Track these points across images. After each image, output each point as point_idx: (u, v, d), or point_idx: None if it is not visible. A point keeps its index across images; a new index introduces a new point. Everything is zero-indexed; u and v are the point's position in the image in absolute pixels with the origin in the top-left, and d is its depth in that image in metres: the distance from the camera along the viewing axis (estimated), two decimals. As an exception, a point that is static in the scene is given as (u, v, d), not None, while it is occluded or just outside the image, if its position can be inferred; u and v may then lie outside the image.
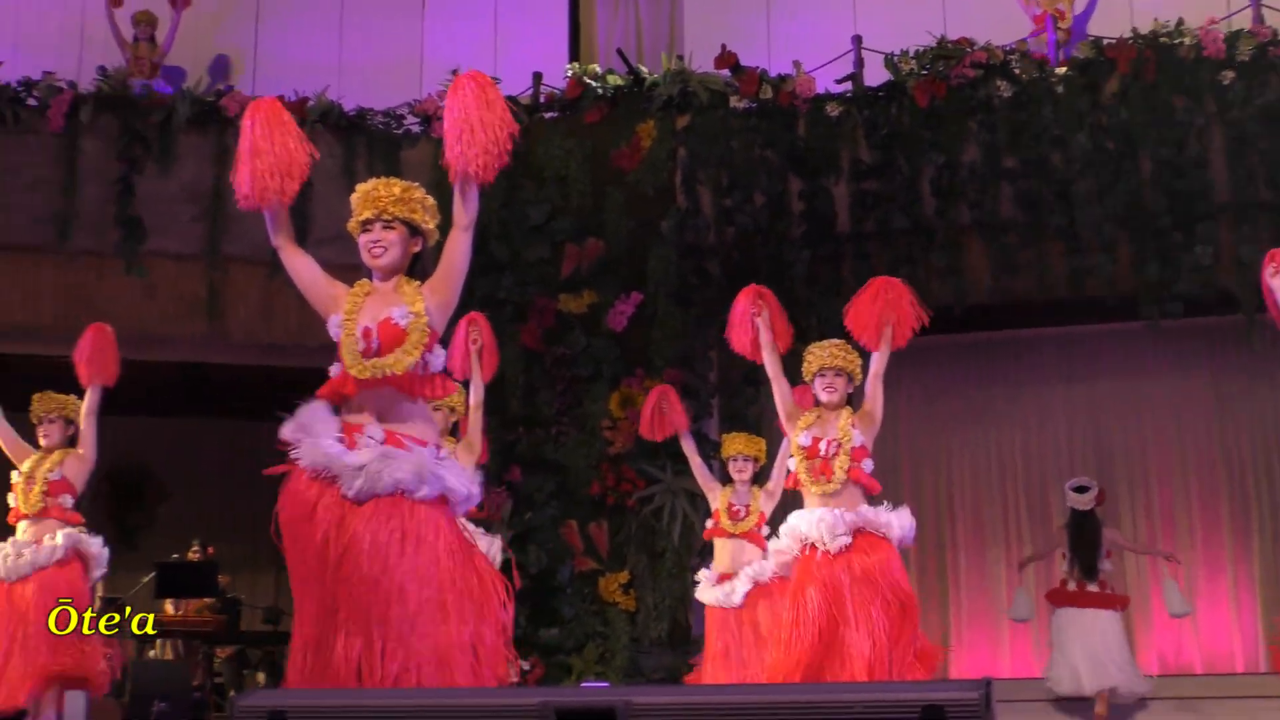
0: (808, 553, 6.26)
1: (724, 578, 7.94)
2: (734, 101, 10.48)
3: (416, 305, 4.37)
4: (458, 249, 4.42)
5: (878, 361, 6.42)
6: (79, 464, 7.32)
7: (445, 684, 4.09)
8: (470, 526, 4.80)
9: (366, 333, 4.36)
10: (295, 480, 4.28)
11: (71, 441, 7.41)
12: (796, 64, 10.57)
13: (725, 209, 10.37)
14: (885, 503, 6.37)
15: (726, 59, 10.63)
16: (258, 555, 14.89)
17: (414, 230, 4.51)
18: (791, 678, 6.06)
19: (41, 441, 7.40)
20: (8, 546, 7.17)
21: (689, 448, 8.19)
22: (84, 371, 7.30)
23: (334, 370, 4.41)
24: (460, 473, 4.44)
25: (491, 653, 4.27)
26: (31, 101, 10.45)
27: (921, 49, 10.35)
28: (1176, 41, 9.87)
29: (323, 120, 10.69)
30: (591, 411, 10.21)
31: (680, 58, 10.95)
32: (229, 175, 4.60)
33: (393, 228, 4.46)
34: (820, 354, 6.55)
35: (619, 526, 10.05)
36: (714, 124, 10.46)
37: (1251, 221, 9.71)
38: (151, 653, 12.49)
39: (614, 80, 10.81)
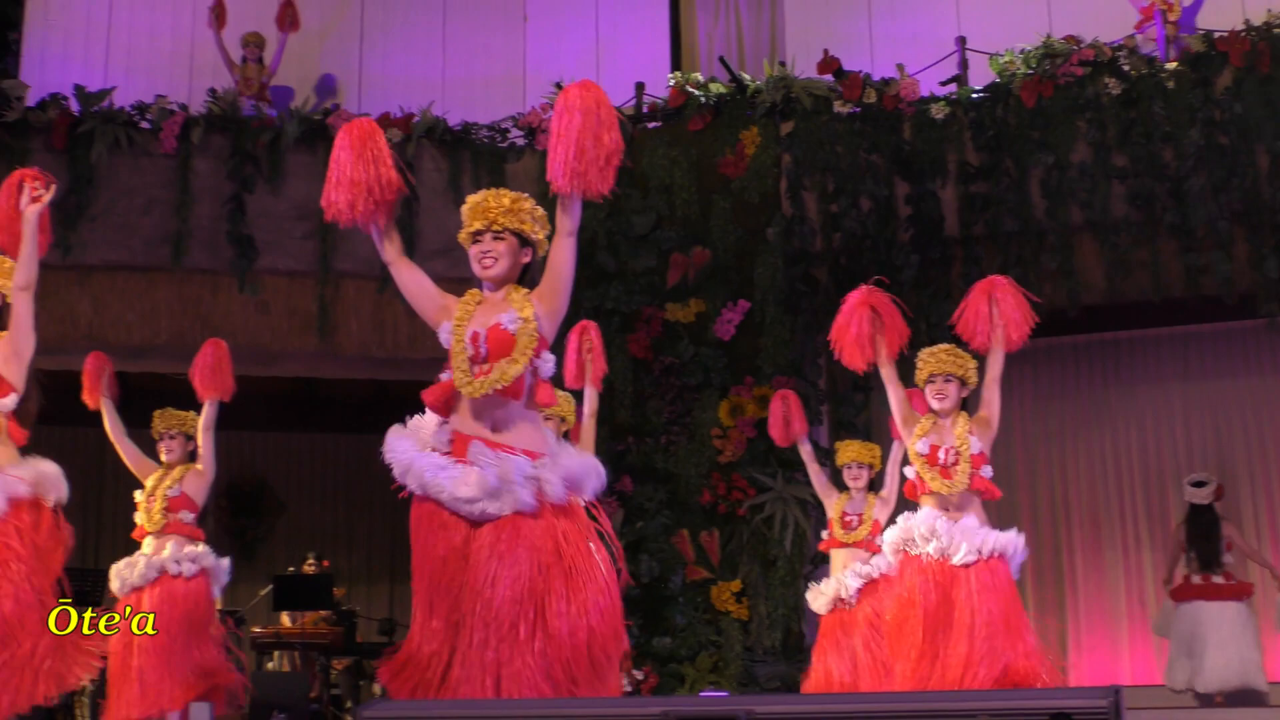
0: (925, 560, 6.21)
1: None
2: (838, 106, 10.43)
3: (525, 311, 4.40)
4: (563, 255, 4.42)
5: (993, 366, 6.34)
6: (199, 479, 7.44)
7: (566, 692, 4.12)
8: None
9: (475, 338, 4.39)
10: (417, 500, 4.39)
11: (192, 457, 7.52)
12: (900, 67, 10.51)
13: (831, 215, 10.32)
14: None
15: (829, 64, 10.59)
16: (372, 567, 15.10)
17: (524, 241, 4.53)
18: (910, 660, 6.06)
19: (163, 458, 7.53)
20: (136, 560, 7.31)
21: (807, 453, 8.13)
22: (201, 387, 7.41)
23: (443, 376, 4.45)
24: (566, 462, 4.42)
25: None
26: (145, 124, 10.64)
27: (1028, 48, 10.24)
28: (1292, 33, 9.68)
29: (428, 135, 10.78)
30: (701, 420, 10.19)
31: (782, 64, 10.91)
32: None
33: (502, 238, 4.49)
34: (931, 360, 6.46)
35: (730, 535, 10.02)
36: (818, 129, 10.42)
37: (1374, 215, 9.49)
38: (269, 664, 12.67)
39: (716, 88, 10.80)
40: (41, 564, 5.06)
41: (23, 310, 5.13)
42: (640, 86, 11.02)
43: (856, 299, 6.54)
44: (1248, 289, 9.72)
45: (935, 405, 6.42)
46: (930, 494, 6.32)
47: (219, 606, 8.06)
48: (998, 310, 6.31)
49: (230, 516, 14.87)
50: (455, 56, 11.94)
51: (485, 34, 12.05)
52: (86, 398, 7.35)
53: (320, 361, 11.06)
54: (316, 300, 10.63)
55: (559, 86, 10.81)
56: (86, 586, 9.64)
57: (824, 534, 8.11)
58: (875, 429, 9.95)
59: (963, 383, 6.45)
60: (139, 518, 7.41)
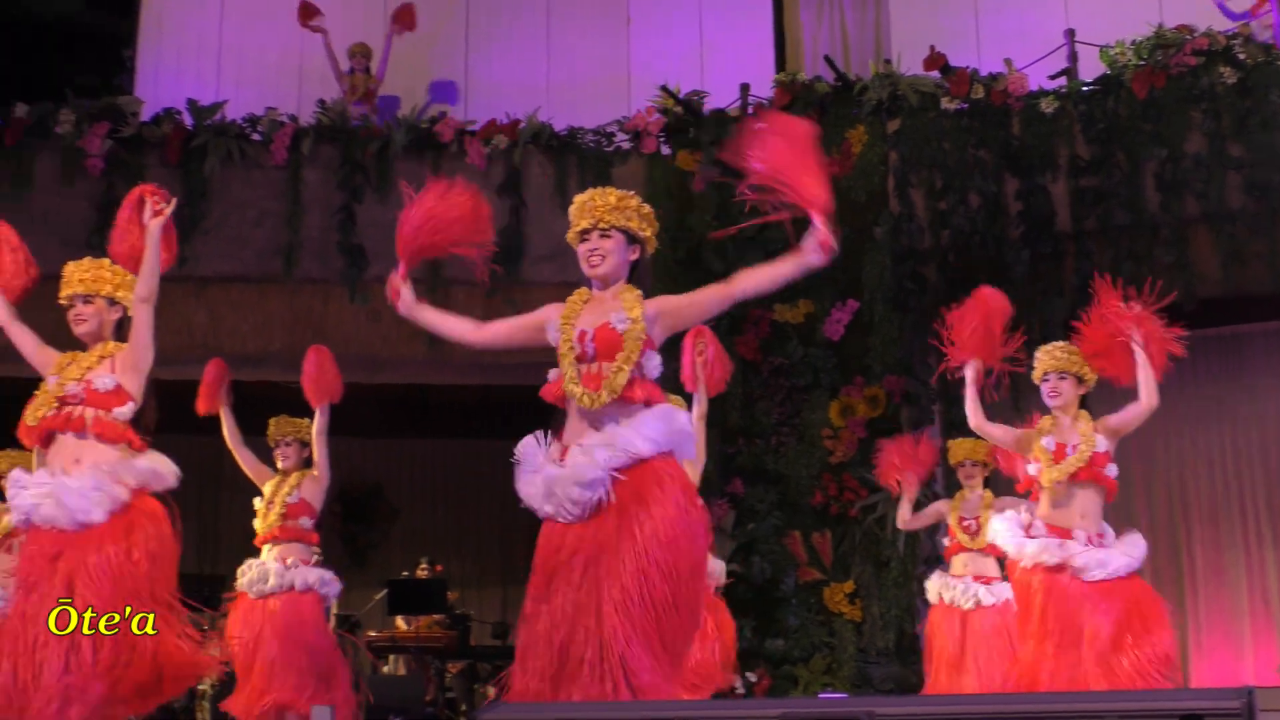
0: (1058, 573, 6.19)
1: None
2: (945, 103, 10.34)
3: (634, 312, 4.40)
4: (710, 307, 4.57)
5: (1144, 395, 6.34)
6: (315, 485, 7.54)
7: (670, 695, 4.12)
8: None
9: (582, 336, 4.41)
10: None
11: (307, 463, 7.63)
12: (1007, 61, 10.39)
13: (940, 212, 10.23)
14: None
15: (935, 60, 10.49)
16: (485, 571, 15.17)
17: (631, 238, 4.54)
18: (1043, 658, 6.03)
19: (279, 464, 7.64)
20: (258, 566, 7.43)
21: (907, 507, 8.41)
22: (311, 393, 7.51)
23: (552, 375, 4.47)
24: (655, 419, 4.38)
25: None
26: (256, 137, 10.80)
27: (1138, 39, 10.08)
28: None
29: (534, 141, 10.83)
30: (811, 421, 10.14)
31: (888, 61, 10.84)
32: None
33: (609, 236, 4.51)
34: (1045, 358, 6.46)
35: (842, 536, 9.95)
36: (925, 126, 10.33)
37: None
38: (385, 668, 12.79)
39: (822, 87, 10.74)
40: (156, 568, 5.11)
41: (143, 323, 5.21)
42: (745, 87, 10.99)
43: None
44: (1372, 278, 9.51)
45: (1049, 403, 6.42)
46: (1045, 489, 6.30)
47: (334, 612, 8.18)
48: (1138, 340, 6.27)
49: (343, 522, 15.03)
50: (559, 60, 11.99)
51: (589, 38, 12.09)
52: (203, 405, 7.45)
53: (430, 369, 11.13)
54: (426, 308, 10.69)
55: (664, 89, 10.83)
56: (206, 592, 9.78)
57: (945, 541, 8.08)
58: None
59: (1079, 379, 6.40)
60: (258, 524, 7.53)
